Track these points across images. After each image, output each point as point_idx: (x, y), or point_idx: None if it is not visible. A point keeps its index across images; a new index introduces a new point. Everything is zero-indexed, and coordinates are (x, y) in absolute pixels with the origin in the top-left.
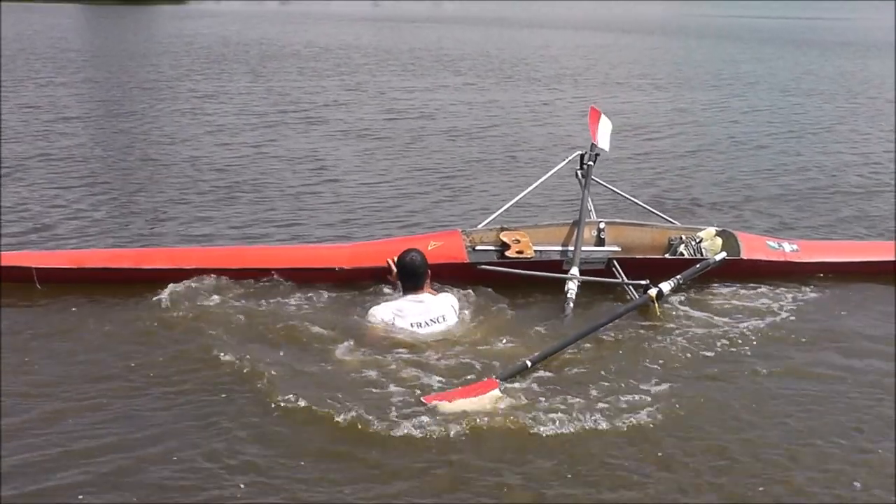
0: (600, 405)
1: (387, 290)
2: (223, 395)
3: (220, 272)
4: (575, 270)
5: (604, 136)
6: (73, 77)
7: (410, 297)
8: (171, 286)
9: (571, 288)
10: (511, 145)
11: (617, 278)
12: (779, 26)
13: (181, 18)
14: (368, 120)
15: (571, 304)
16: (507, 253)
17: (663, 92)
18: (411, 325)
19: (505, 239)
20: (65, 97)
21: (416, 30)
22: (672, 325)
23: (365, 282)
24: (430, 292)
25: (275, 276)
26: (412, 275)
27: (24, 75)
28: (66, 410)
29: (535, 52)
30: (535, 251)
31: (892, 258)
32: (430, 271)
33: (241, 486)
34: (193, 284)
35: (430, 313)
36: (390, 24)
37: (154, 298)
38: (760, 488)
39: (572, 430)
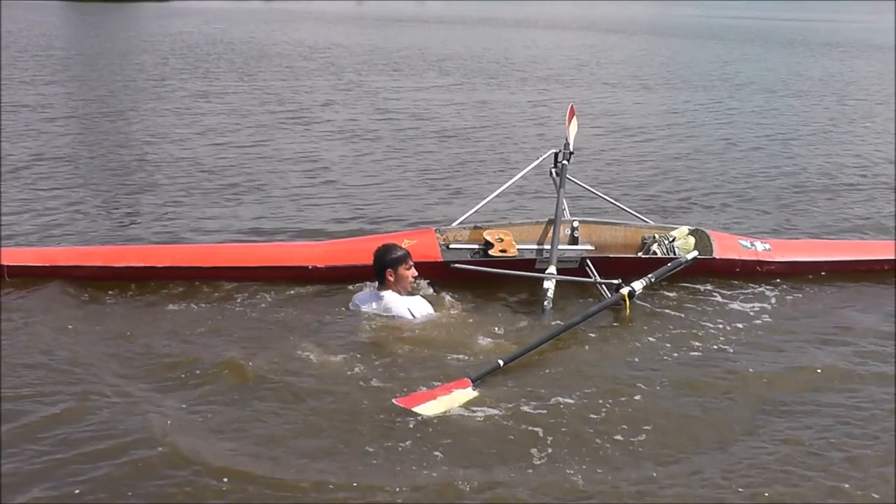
0: (572, 405)
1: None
2: (187, 401)
3: (191, 270)
4: (552, 269)
5: (571, 136)
6: (59, 75)
7: (375, 291)
8: (140, 285)
9: (549, 287)
10: (499, 145)
11: (590, 277)
12: (765, 27)
13: (165, 17)
14: (356, 120)
15: (549, 304)
16: (491, 251)
17: (650, 92)
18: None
19: (488, 237)
20: (51, 95)
21: (402, 29)
22: (644, 325)
23: (338, 280)
24: (394, 290)
25: (248, 276)
26: (374, 268)
27: (8, 73)
28: None
29: (521, 53)
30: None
31: (861, 257)
32: (399, 271)
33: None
34: (161, 284)
35: (382, 309)
36: (375, 23)
37: (122, 298)
38: (741, 490)
39: (544, 429)
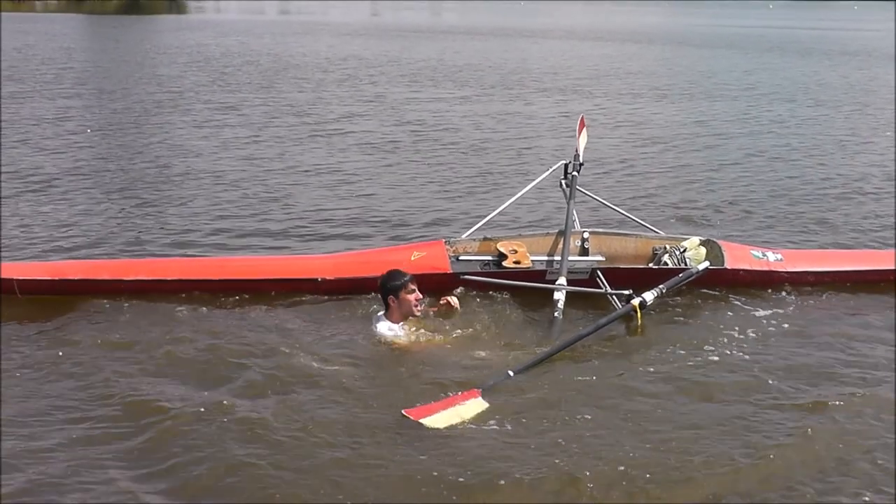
0: (584, 417)
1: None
2: (199, 416)
3: (200, 283)
4: (562, 280)
5: (580, 147)
6: (79, 88)
7: (378, 315)
8: (145, 300)
9: (560, 298)
10: (517, 156)
11: (601, 288)
12: (783, 36)
13: (183, 29)
14: (375, 131)
15: (560, 315)
16: (505, 263)
17: (669, 102)
18: None
19: (502, 249)
20: (70, 108)
21: (419, 40)
22: (655, 335)
23: (348, 292)
24: (394, 316)
25: (259, 288)
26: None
27: (29, 86)
28: None
29: (538, 63)
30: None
31: (875, 267)
32: (400, 296)
33: None
34: (169, 297)
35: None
36: (392, 34)
37: (126, 312)
38: None
39: (555, 441)
